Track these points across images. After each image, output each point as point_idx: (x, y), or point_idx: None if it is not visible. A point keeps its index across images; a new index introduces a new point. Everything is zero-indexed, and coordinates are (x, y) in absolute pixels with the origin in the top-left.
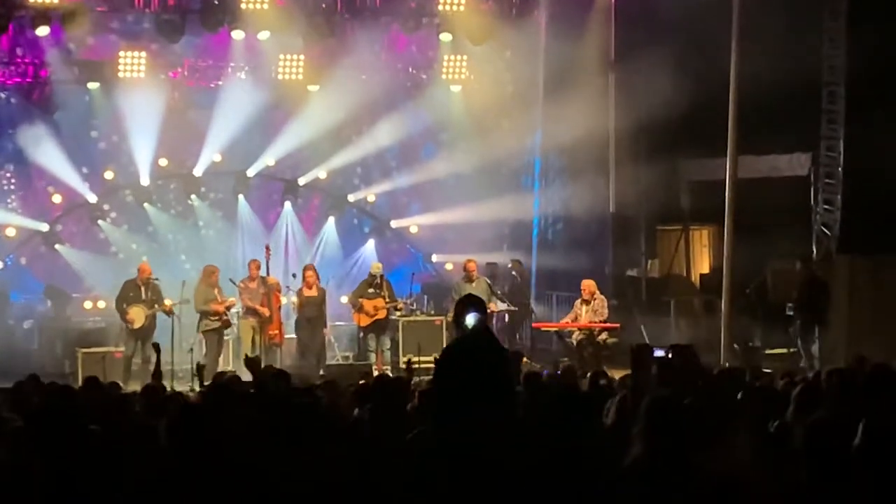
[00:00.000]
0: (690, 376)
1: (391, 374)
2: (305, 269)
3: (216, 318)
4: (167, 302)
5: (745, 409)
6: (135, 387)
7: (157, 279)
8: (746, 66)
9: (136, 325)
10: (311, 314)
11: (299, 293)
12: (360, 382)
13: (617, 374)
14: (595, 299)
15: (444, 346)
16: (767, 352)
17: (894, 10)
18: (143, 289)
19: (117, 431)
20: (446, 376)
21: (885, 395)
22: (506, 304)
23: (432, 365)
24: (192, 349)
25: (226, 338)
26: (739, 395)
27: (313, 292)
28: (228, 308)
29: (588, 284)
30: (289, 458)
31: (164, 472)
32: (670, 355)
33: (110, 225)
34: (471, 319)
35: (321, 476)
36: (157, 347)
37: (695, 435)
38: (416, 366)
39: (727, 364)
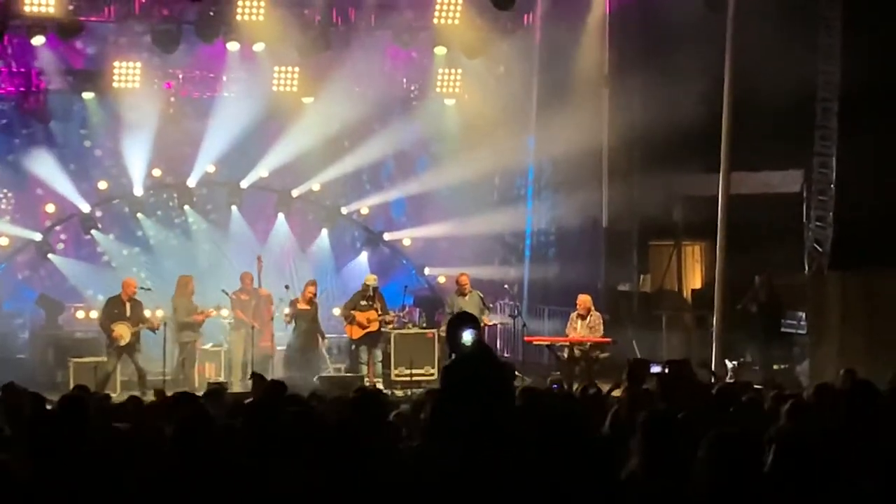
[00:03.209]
0: (686, 391)
1: (382, 387)
2: (310, 283)
3: (197, 327)
4: (149, 315)
5: (736, 423)
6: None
7: (148, 288)
8: (740, 82)
9: (123, 343)
10: (304, 327)
11: (293, 304)
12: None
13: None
14: (591, 315)
15: (445, 364)
16: (757, 367)
17: (889, 26)
18: (127, 305)
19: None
20: (452, 394)
21: (867, 411)
22: (498, 317)
23: (423, 378)
24: (184, 359)
25: (217, 349)
26: (731, 410)
27: (307, 306)
28: (206, 318)
29: (584, 300)
30: (281, 466)
31: (161, 480)
32: (667, 370)
33: (103, 234)
34: (467, 336)
35: (310, 483)
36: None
37: (691, 448)
38: (408, 378)
39: (718, 379)
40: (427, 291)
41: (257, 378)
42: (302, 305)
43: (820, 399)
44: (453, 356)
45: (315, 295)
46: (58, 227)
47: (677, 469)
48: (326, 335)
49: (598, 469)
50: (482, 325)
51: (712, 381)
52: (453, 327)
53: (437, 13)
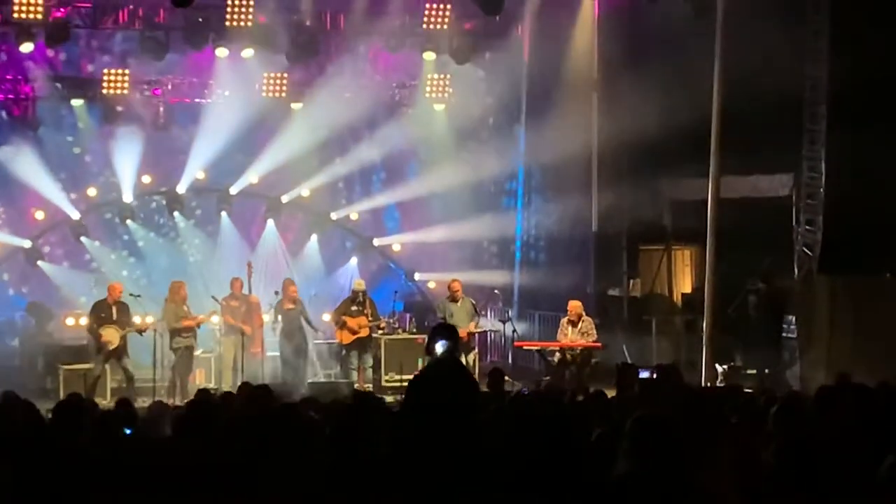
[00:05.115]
0: (674, 395)
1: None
2: (289, 283)
3: (188, 334)
4: (136, 319)
5: (727, 427)
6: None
7: (137, 294)
8: (728, 86)
9: (112, 347)
10: (292, 328)
11: (279, 306)
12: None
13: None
14: (583, 321)
15: (410, 380)
16: (749, 371)
17: (876, 29)
18: (113, 309)
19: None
20: (413, 400)
21: (868, 413)
22: (489, 323)
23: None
24: (174, 366)
25: (207, 355)
26: (721, 414)
27: (292, 305)
28: (199, 324)
29: (575, 306)
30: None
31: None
32: (655, 375)
33: (93, 241)
34: (439, 348)
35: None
36: None
37: (680, 453)
38: (398, 384)
39: (708, 383)
40: (417, 297)
41: (244, 387)
42: (287, 305)
43: (819, 402)
44: (420, 369)
45: (296, 292)
46: (48, 235)
47: (666, 473)
48: (317, 340)
49: (588, 474)
50: (471, 331)
51: (703, 385)
52: (431, 336)
53: (425, 18)
